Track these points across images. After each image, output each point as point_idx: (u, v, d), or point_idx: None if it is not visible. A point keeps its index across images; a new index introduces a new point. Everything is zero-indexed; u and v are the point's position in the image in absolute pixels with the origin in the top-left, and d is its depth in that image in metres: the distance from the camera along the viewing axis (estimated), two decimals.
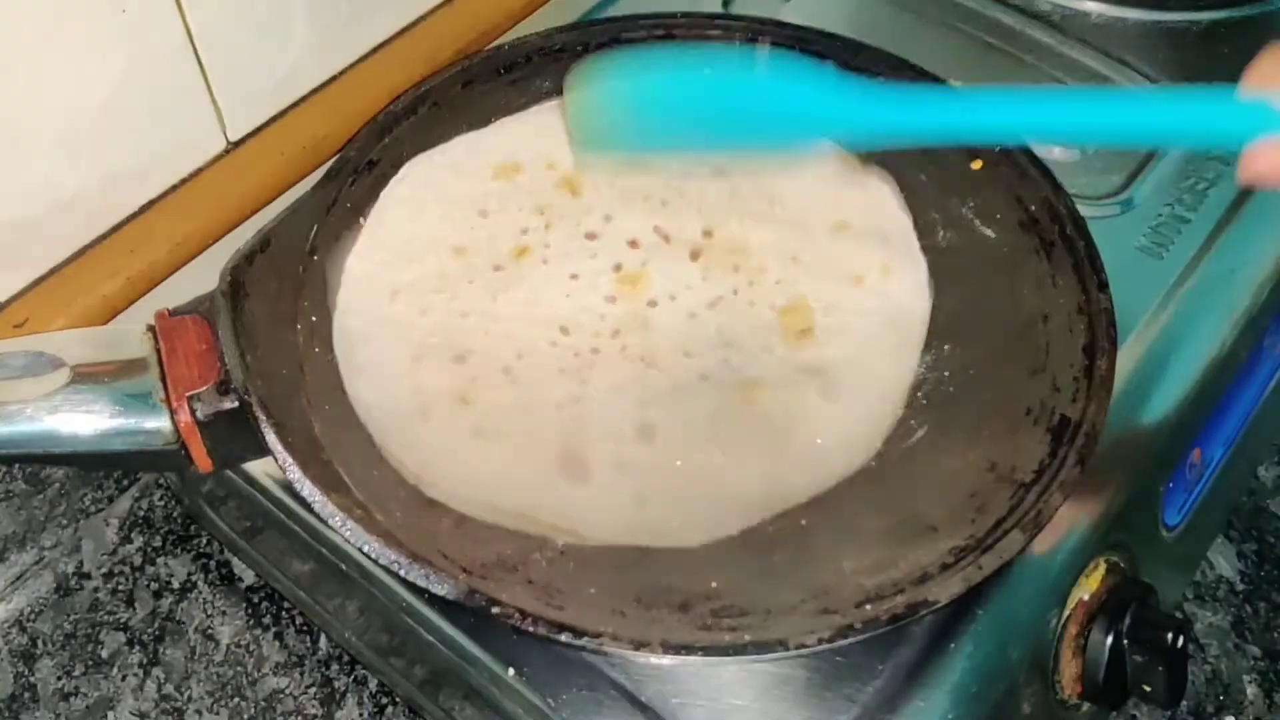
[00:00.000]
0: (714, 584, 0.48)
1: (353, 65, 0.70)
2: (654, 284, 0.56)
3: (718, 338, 0.54)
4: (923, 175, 0.62)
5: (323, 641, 0.61)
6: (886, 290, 0.56)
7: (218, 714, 0.58)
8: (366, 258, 0.57)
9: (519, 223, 0.58)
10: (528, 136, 0.62)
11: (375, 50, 0.71)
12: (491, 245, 0.58)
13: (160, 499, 0.65)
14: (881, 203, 0.59)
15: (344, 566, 0.54)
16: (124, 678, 0.59)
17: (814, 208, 0.59)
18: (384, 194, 0.60)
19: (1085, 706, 0.55)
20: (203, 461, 0.50)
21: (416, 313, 0.55)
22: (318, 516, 0.48)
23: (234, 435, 0.50)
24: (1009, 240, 0.59)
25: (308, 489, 0.48)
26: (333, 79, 0.70)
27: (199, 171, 0.65)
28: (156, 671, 0.60)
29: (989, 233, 0.59)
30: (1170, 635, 0.52)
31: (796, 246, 0.58)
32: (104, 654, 0.60)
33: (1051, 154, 0.65)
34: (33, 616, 0.61)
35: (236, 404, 0.49)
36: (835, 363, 0.53)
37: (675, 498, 0.50)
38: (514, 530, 0.49)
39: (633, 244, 0.57)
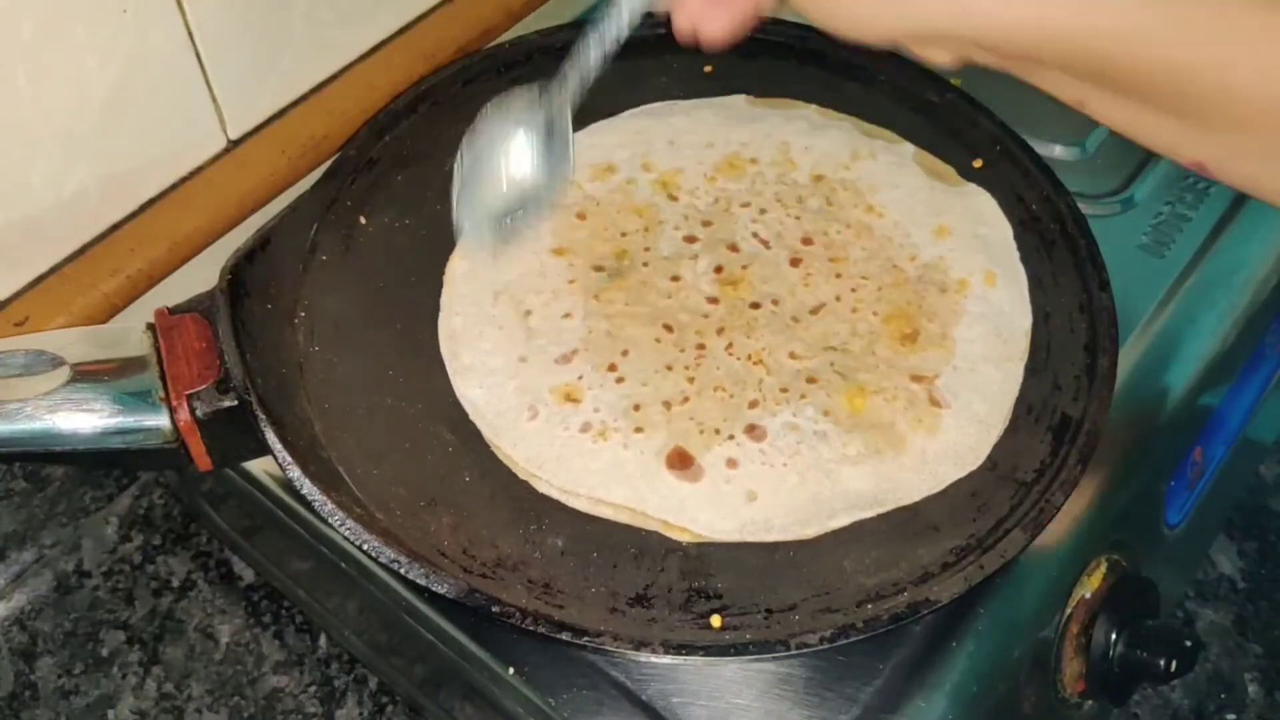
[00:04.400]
0: (715, 583, 0.48)
1: (353, 64, 0.70)
2: (755, 288, 0.56)
3: (823, 341, 0.54)
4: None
5: (322, 640, 0.61)
6: (990, 297, 0.56)
7: (217, 713, 0.58)
8: (469, 257, 0.58)
9: (618, 224, 0.59)
10: (623, 140, 0.62)
11: (375, 50, 0.71)
12: (590, 247, 0.58)
13: (160, 497, 0.65)
14: (981, 210, 0.59)
15: (344, 565, 0.54)
16: (124, 676, 0.59)
17: (913, 214, 0.59)
18: None
19: (1087, 705, 0.55)
20: (202, 460, 0.50)
21: (519, 313, 0.55)
22: (317, 515, 0.48)
23: (233, 434, 0.50)
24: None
25: (307, 488, 0.48)
26: (333, 78, 0.70)
27: (199, 170, 0.65)
28: (156, 670, 0.60)
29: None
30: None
31: (897, 253, 0.58)
32: (104, 652, 0.60)
33: (1052, 152, 0.66)
34: (33, 615, 0.61)
35: (236, 402, 0.49)
36: (942, 369, 0.53)
37: (786, 494, 0.50)
38: (623, 528, 0.49)
39: (732, 248, 0.58)
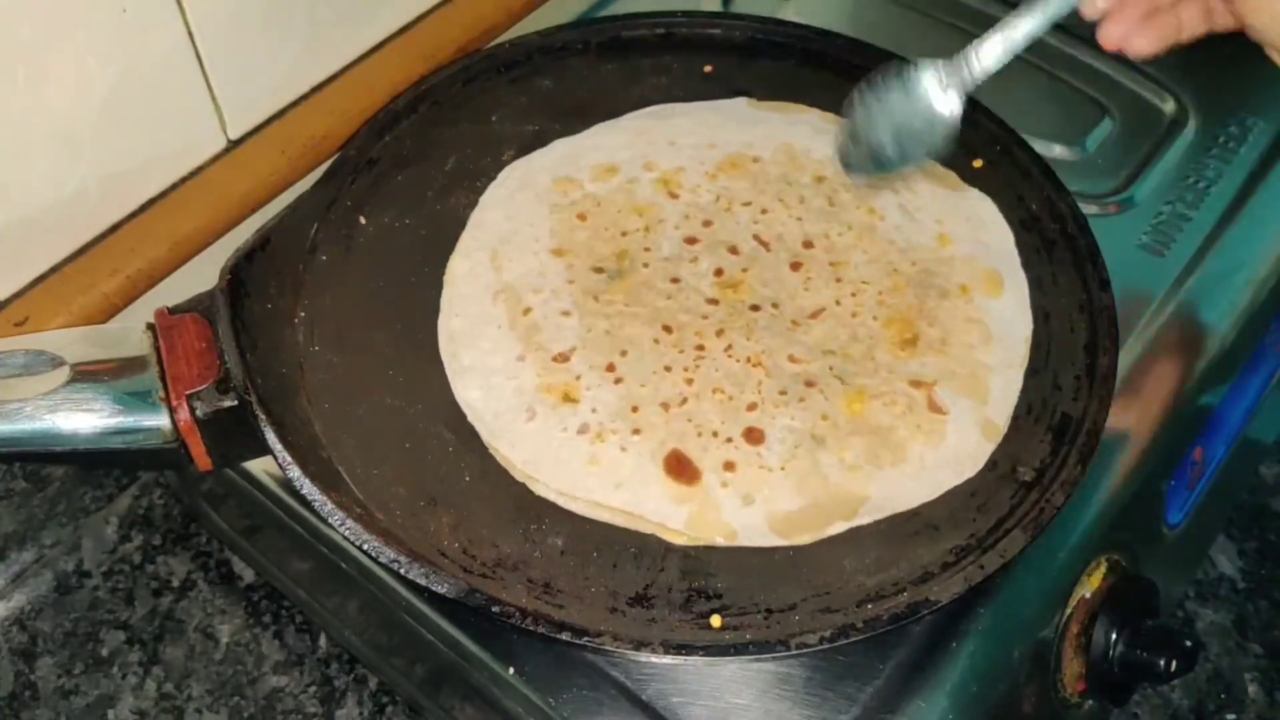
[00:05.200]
0: (715, 583, 0.48)
1: (353, 64, 0.70)
2: (755, 290, 0.56)
3: (822, 345, 0.54)
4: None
5: (322, 640, 0.61)
6: (990, 303, 0.56)
7: (217, 713, 0.58)
8: (469, 258, 0.58)
9: (619, 224, 0.59)
10: (625, 141, 0.62)
11: (376, 49, 0.71)
12: (591, 248, 0.58)
13: (160, 497, 0.65)
14: (983, 217, 0.59)
15: (344, 565, 0.54)
16: (124, 676, 0.59)
17: (915, 218, 0.59)
18: (483, 198, 0.60)
19: (1087, 705, 0.55)
20: (202, 460, 0.50)
21: (518, 313, 0.55)
22: (317, 515, 0.48)
23: (233, 434, 0.50)
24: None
25: (307, 488, 0.48)
26: (333, 78, 0.70)
27: (199, 170, 0.65)
28: (156, 670, 0.60)
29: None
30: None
31: (898, 258, 0.58)
32: (104, 652, 0.60)
33: (1052, 152, 0.65)
34: (33, 615, 0.61)
35: (236, 402, 0.49)
36: (942, 375, 0.53)
37: (782, 499, 0.50)
38: (622, 528, 0.49)
39: (733, 250, 0.58)
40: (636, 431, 0.51)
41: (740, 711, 0.47)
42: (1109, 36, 0.49)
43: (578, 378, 0.53)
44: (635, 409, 0.52)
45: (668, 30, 0.68)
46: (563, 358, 0.54)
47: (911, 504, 0.50)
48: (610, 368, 0.53)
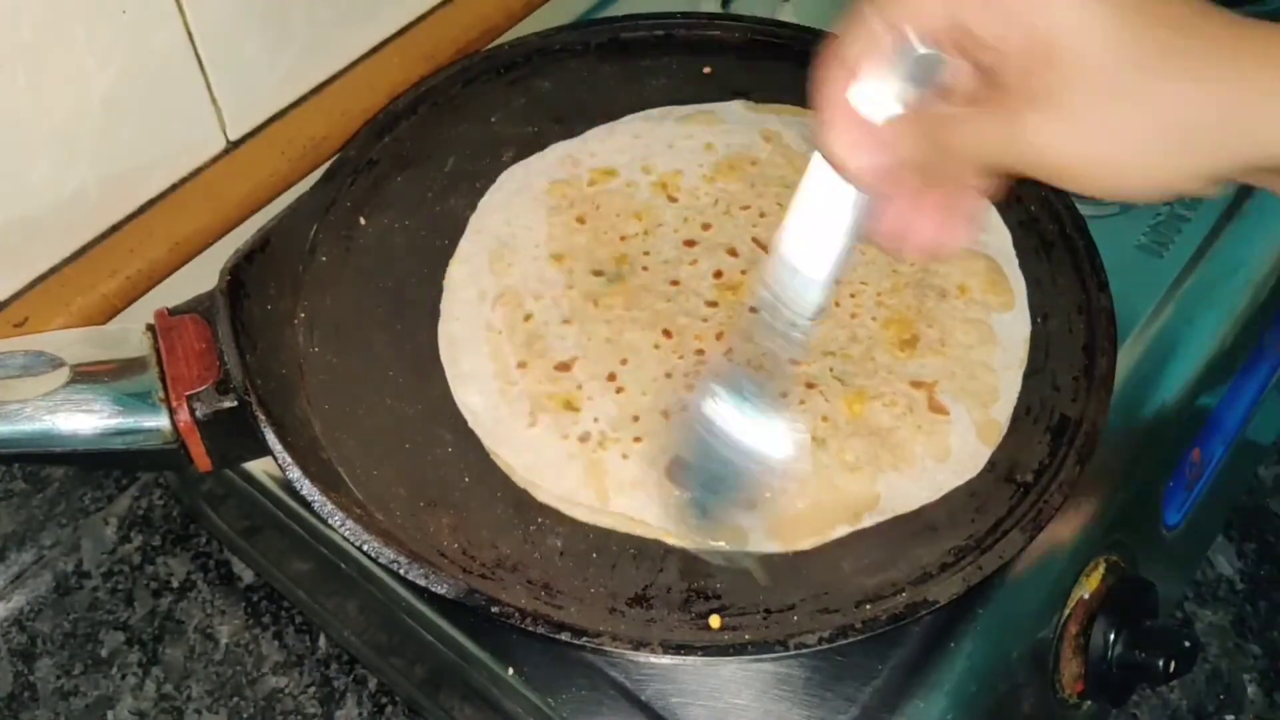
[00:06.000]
0: (714, 584, 0.48)
1: (353, 65, 0.70)
2: (754, 292, 0.56)
3: (821, 346, 0.54)
4: None
5: (322, 641, 0.61)
6: (989, 303, 0.56)
7: (217, 713, 0.58)
8: (468, 262, 0.58)
9: (618, 229, 0.59)
10: (623, 143, 0.62)
11: (375, 50, 0.71)
12: (590, 252, 0.58)
13: (159, 498, 0.65)
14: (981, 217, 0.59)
15: (343, 566, 0.54)
16: (123, 677, 0.59)
17: None
18: (481, 202, 0.60)
19: (1086, 705, 0.55)
20: (202, 461, 0.50)
21: (518, 318, 0.55)
22: (317, 516, 0.48)
23: (233, 434, 0.50)
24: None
25: (307, 488, 0.48)
26: (333, 79, 0.70)
27: (199, 171, 0.65)
28: (156, 670, 0.60)
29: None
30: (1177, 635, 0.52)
31: (896, 258, 0.57)
32: (103, 653, 0.60)
33: None
34: (32, 616, 0.61)
35: (236, 403, 0.49)
36: (941, 375, 0.53)
37: (785, 503, 0.50)
38: (625, 534, 0.49)
39: (731, 252, 0.58)
40: (638, 440, 0.51)
41: (739, 711, 0.47)
42: (918, 246, 0.40)
43: (579, 387, 0.53)
44: (636, 418, 0.52)
45: (667, 32, 0.68)
46: (564, 367, 0.54)
47: (912, 505, 0.50)
48: (611, 377, 0.53)
